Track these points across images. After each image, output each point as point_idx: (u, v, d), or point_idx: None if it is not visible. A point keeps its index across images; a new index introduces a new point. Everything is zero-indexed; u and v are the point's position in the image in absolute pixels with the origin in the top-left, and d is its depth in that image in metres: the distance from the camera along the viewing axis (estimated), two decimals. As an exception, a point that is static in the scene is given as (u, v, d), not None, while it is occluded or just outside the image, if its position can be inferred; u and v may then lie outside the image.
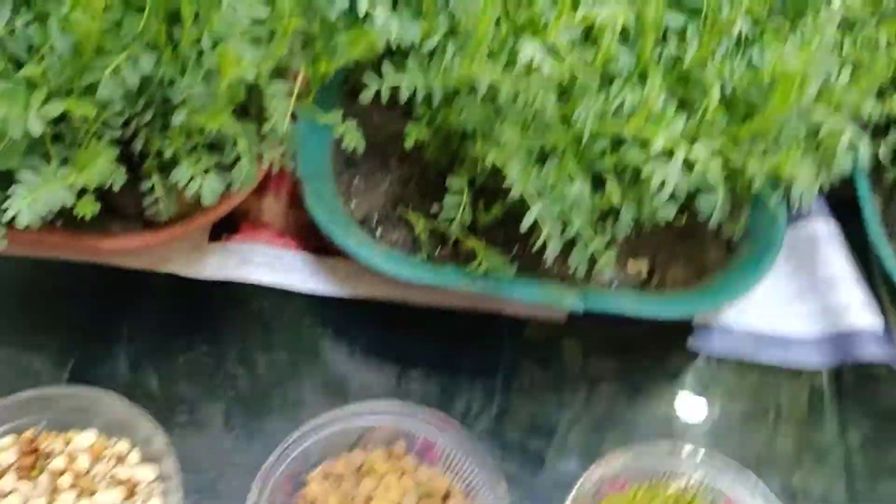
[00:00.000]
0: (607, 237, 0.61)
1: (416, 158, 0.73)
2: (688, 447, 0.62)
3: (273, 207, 0.77)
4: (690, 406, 0.72)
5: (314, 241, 0.76)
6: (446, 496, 0.60)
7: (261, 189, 0.77)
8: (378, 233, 0.71)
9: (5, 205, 0.52)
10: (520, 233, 0.69)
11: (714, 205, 0.58)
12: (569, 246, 0.62)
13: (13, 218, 0.52)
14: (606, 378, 0.73)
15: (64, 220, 0.67)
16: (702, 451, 0.62)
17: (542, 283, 0.68)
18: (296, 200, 0.78)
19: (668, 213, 0.60)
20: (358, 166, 0.74)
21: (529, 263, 0.68)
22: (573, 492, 0.59)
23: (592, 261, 0.64)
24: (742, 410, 0.72)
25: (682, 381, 0.73)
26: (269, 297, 0.74)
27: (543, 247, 0.69)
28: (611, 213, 0.62)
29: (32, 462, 0.59)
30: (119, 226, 0.68)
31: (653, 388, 0.73)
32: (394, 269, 0.67)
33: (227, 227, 0.76)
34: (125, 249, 0.66)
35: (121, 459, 0.60)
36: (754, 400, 0.72)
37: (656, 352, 0.74)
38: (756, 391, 0.73)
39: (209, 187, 0.58)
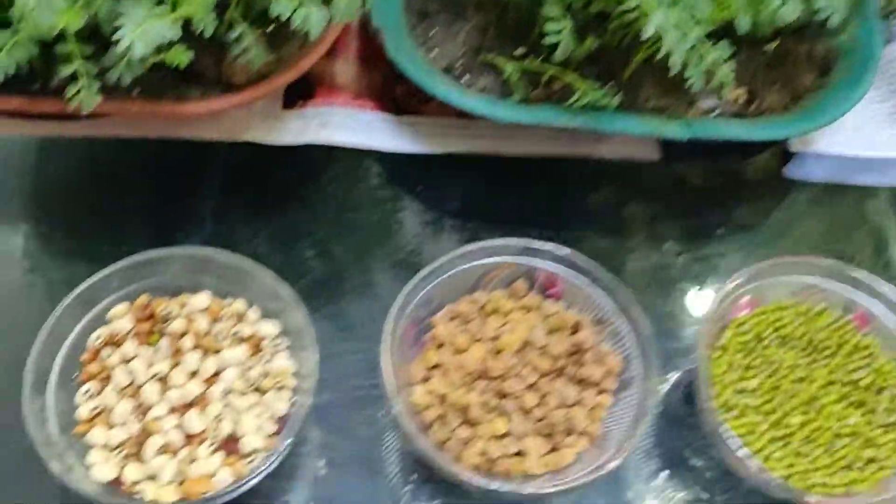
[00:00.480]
0: (724, 51, 0.58)
1: (494, 3, 0.70)
2: (813, 259, 0.61)
3: (346, 70, 0.75)
4: (789, 233, 0.71)
5: (390, 101, 0.74)
6: (575, 328, 0.59)
7: (332, 53, 0.74)
8: (464, 81, 0.68)
9: (116, 37, 0.50)
10: (614, 68, 0.68)
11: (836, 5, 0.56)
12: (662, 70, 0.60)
13: (126, 52, 0.50)
14: (706, 212, 0.71)
15: (141, 88, 0.65)
16: (827, 261, 0.60)
17: (644, 115, 0.66)
18: (367, 62, 0.75)
19: (789, 13, 0.58)
20: (432, 17, 0.71)
21: (626, 100, 0.66)
22: (708, 313, 0.58)
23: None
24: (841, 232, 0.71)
25: (781, 208, 0.72)
26: (351, 159, 0.72)
27: (639, 82, 0.67)
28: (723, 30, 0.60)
29: (150, 327, 0.58)
30: (197, 92, 0.65)
31: (752, 218, 0.72)
32: (490, 110, 0.64)
33: (301, 94, 0.73)
34: (206, 113, 0.63)
35: (240, 317, 0.59)
36: (853, 220, 0.72)
37: (753, 183, 0.73)
38: (855, 212, 0.72)
39: (315, 18, 0.55)
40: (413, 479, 0.58)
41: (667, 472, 0.60)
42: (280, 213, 0.69)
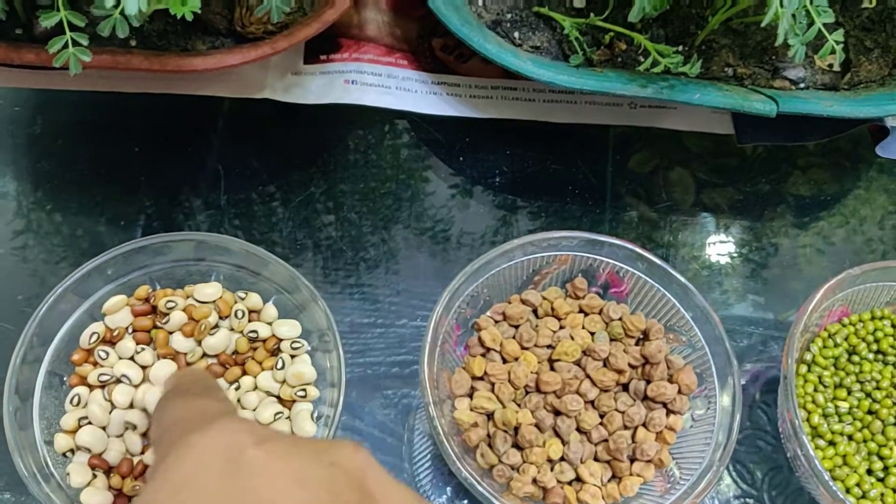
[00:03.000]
0: (830, 15, 0.49)
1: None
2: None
3: (376, 18, 0.65)
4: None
5: (427, 58, 0.64)
6: (644, 336, 0.51)
7: (360, 0, 0.65)
8: (516, 38, 0.59)
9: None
10: (686, 30, 0.59)
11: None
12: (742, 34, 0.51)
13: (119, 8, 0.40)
14: (779, 192, 0.63)
15: (139, 39, 0.56)
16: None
17: (725, 86, 0.57)
18: (401, 11, 0.66)
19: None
20: (479, -39, 0.62)
21: (703, 68, 0.57)
22: (796, 325, 0.50)
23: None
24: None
25: (869, 192, 0.64)
26: (379, 121, 0.63)
27: (715, 47, 0.58)
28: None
29: (151, 322, 0.49)
30: (205, 44, 0.57)
31: (839, 203, 0.63)
32: (549, 74, 0.55)
33: (325, 48, 0.64)
34: (216, 69, 0.54)
35: (255, 312, 0.51)
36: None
37: (841, 163, 0.64)
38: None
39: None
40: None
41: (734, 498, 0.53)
42: (299, 179, 0.61)
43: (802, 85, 0.59)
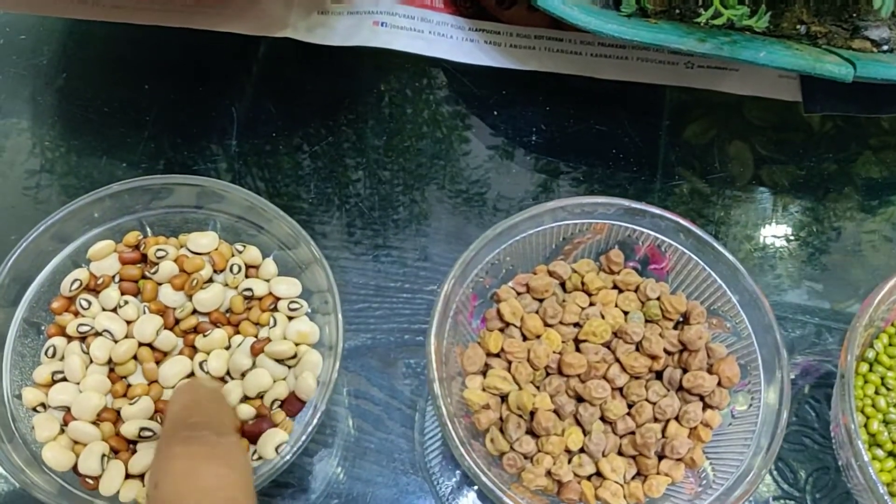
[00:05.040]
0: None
1: None
2: None
3: (412, -44, 0.60)
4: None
5: (468, 2, 0.59)
6: (684, 320, 0.45)
7: (395, -68, 0.59)
8: (561, -19, 0.53)
9: None
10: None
11: None
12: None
13: None
14: (843, 168, 0.57)
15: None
16: None
17: (795, 45, 0.50)
18: (440, -52, 0.60)
19: None
20: None
21: (769, 23, 0.51)
22: (859, 318, 0.44)
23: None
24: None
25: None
26: (411, 69, 0.58)
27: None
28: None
29: (139, 272, 0.45)
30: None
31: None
32: (595, 23, 0.49)
33: (355, -17, 0.59)
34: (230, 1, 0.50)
35: (252, 268, 0.46)
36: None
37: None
38: None
39: None
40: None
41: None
42: (323, 127, 0.56)
43: (886, 47, 0.52)
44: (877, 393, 0.45)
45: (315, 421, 0.41)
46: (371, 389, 0.49)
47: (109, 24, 0.56)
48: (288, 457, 0.40)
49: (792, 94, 0.57)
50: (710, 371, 0.44)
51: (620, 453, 0.43)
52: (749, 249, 0.54)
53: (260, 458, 0.41)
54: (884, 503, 0.40)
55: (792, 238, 0.55)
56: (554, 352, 0.44)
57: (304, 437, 0.40)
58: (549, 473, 0.42)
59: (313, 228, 0.53)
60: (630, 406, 0.44)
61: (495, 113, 0.57)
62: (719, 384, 0.44)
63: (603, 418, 0.43)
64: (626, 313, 0.45)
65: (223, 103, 0.56)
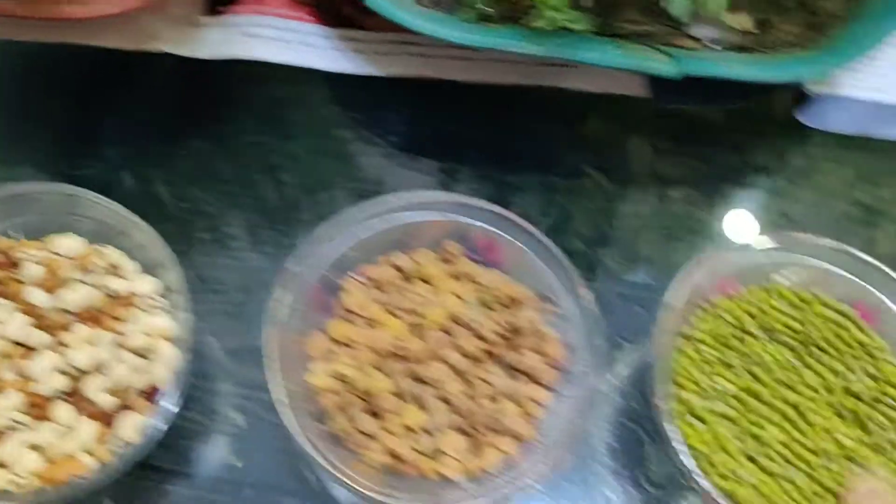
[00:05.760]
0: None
1: None
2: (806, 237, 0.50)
3: (279, -32, 0.63)
4: (795, 195, 0.60)
5: (333, 11, 0.62)
6: (514, 302, 0.49)
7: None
8: (414, -11, 0.56)
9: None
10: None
11: None
12: None
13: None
14: (690, 174, 0.60)
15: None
16: (831, 242, 0.49)
17: (625, 44, 0.54)
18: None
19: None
20: None
21: (601, 23, 0.54)
22: (674, 291, 0.47)
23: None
24: (859, 199, 0.60)
25: (786, 163, 0.61)
26: (284, 79, 0.61)
27: (617, 2, 0.55)
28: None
29: (6, 276, 0.48)
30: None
31: (754, 173, 0.60)
32: (441, 30, 0.53)
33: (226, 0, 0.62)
34: (97, 16, 0.52)
35: (114, 269, 0.49)
36: (873, 186, 0.60)
37: (758, 128, 0.61)
38: (878, 175, 0.60)
39: None
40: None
41: (618, 486, 0.50)
42: (200, 136, 0.59)
43: (718, 47, 0.55)
44: (693, 366, 0.48)
45: (172, 409, 0.44)
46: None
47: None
48: (147, 439, 0.43)
49: (641, 90, 0.61)
50: (539, 353, 0.47)
51: (460, 431, 0.47)
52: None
53: (126, 443, 0.44)
54: (688, 463, 0.44)
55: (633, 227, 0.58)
56: (395, 338, 0.47)
57: (162, 424, 0.43)
58: (390, 451, 0.46)
59: (221, 231, 0.56)
60: (467, 386, 0.47)
61: (373, 116, 0.60)
62: (548, 365, 0.47)
63: (442, 398, 0.47)
64: (463, 301, 0.49)
65: (105, 114, 0.59)
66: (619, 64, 0.52)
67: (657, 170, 0.60)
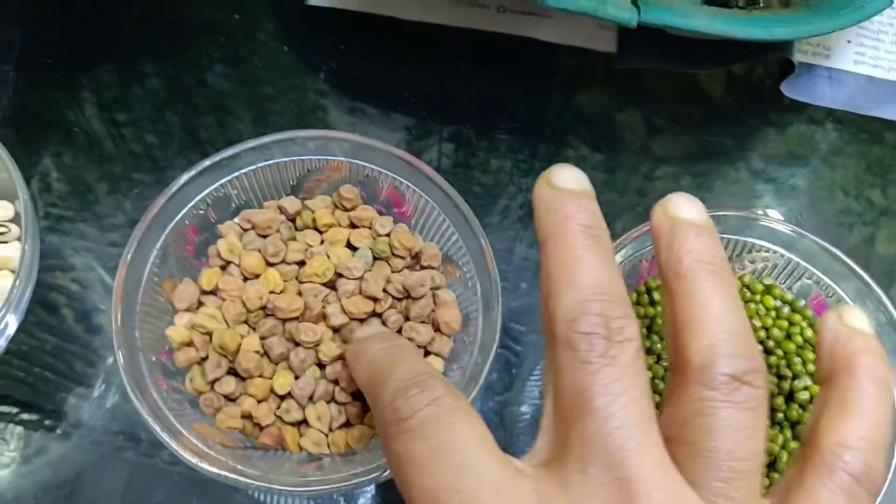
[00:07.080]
0: None
1: None
2: (772, 214, 0.43)
3: None
4: (776, 173, 0.53)
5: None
6: (416, 257, 0.43)
7: None
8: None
9: None
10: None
11: None
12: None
13: None
14: (663, 141, 0.53)
15: None
16: (784, 225, 0.43)
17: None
18: None
19: None
20: None
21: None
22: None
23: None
24: (848, 178, 0.53)
25: (766, 138, 0.54)
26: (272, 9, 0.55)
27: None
28: None
29: None
30: None
31: (731, 145, 0.54)
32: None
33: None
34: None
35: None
36: (865, 164, 0.53)
37: (739, 95, 0.55)
38: (868, 154, 0.53)
39: None
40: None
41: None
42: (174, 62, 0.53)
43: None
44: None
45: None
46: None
47: None
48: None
49: (608, 46, 0.54)
50: (433, 319, 0.41)
51: (332, 401, 0.41)
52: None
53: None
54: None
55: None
56: (272, 292, 0.42)
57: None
58: (249, 416, 0.40)
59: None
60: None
61: (301, 47, 0.54)
62: (439, 331, 0.41)
63: (316, 363, 0.41)
64: (354, 255, 0.43)
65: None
66: (575, 7, 0.45)
67: (648, 146, 0.53)
